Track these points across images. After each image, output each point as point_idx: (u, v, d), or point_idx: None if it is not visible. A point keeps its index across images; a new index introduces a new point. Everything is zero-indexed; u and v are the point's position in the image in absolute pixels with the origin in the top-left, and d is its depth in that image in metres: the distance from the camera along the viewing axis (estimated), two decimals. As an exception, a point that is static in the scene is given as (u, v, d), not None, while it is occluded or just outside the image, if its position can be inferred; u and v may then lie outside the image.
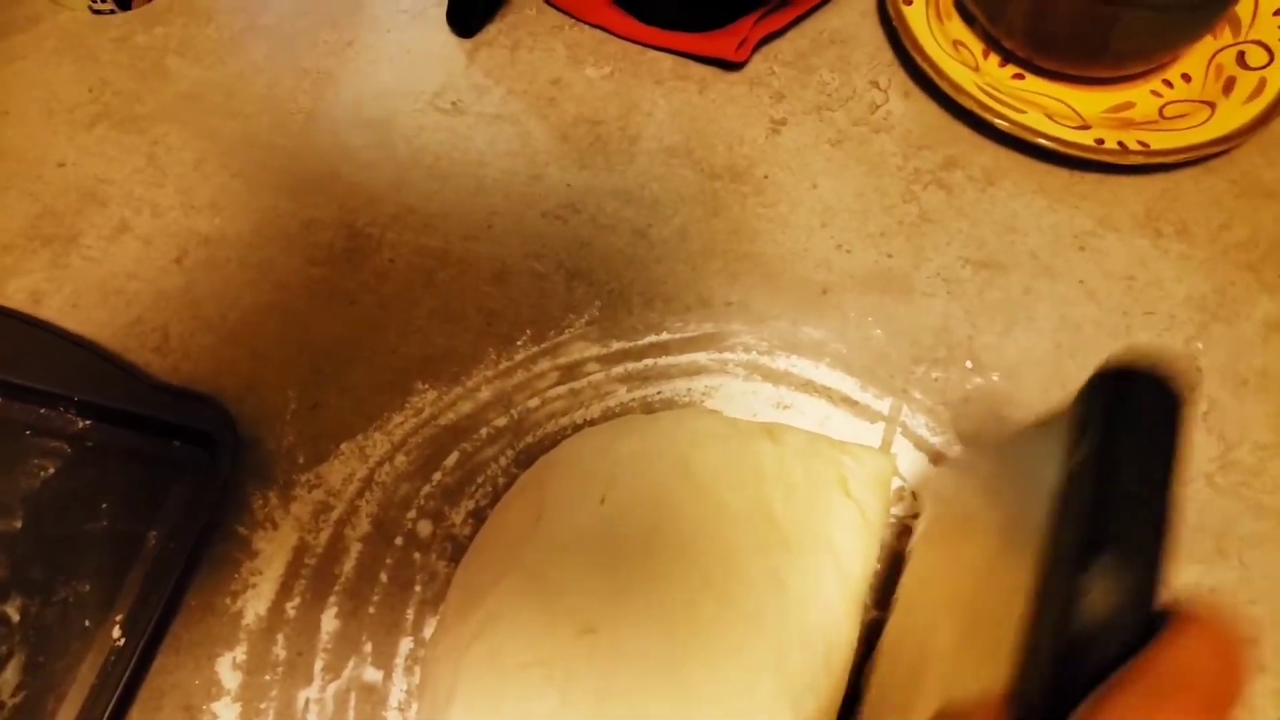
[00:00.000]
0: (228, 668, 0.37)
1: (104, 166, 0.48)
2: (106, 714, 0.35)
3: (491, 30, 0.53)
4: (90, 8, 0.53)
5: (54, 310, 0.44)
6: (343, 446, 0.41)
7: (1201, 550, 0.39)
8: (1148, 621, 0.20)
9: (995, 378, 0.43)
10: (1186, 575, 0.39)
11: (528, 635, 0.32)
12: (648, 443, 0.37)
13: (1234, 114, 0.48)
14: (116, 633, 0.37)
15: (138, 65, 0.51)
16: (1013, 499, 0.29)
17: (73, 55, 0.51)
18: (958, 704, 0.23)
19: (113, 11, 0.53)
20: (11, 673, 0.36)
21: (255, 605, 0.38)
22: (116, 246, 0.46)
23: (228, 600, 0.38)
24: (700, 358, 0.44)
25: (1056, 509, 0.23)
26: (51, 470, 0.40)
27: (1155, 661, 0.20)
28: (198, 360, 0.43)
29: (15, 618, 0.37)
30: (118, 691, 0.35)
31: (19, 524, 0.39)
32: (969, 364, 0.43)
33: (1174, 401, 0.23)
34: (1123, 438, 0.22)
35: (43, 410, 0.41)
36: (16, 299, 0.44)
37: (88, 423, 0.41)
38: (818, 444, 0.38)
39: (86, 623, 0.37)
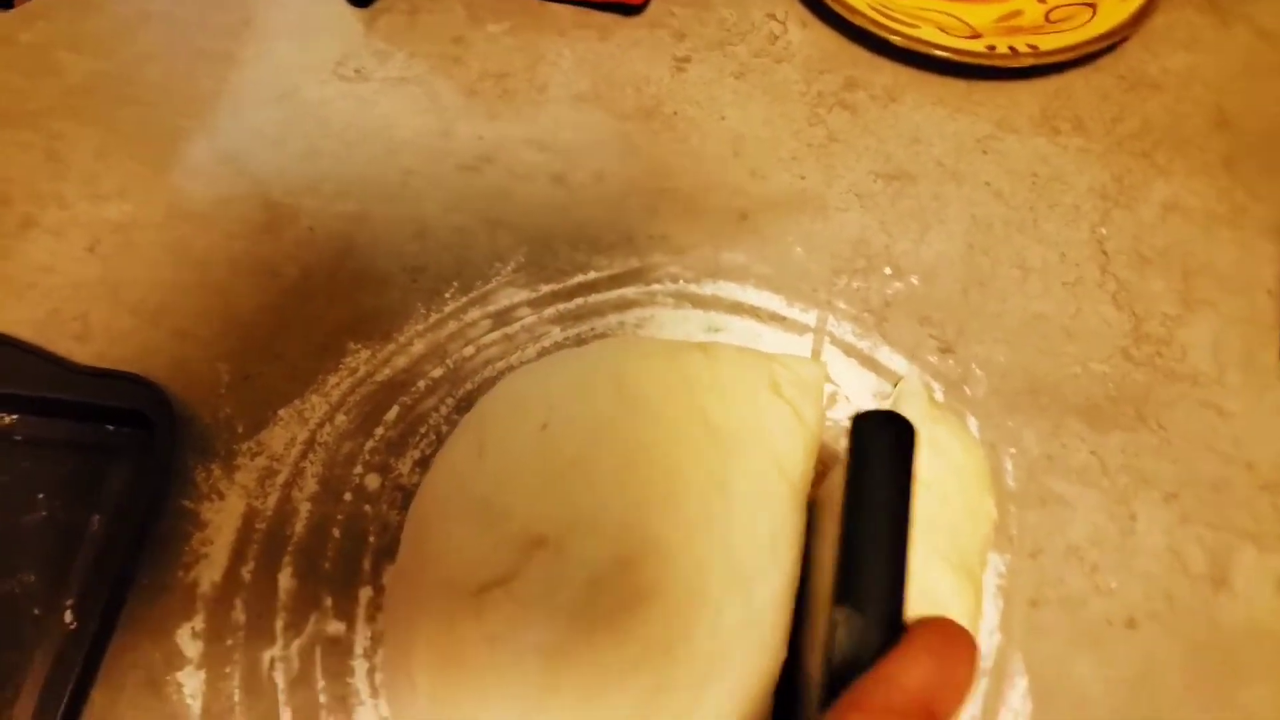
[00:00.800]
0: (187, 637, 0.36)
1: (2, 166, 0.47)
2: (66, 697, 0.34)
3: (388, -3, 0.53)
4: (-29, 10, 0.51)
5: (-34, 311, 0.43)
6: (281, 412, 0.41)
7: (1124, 418, 0.41)
8: (892, 643, 0.25)
9: (914, 280, 0.44)
10: (1112, 441, 0.41)
11: (480, 558, 0.33)
12: (584, 371, 0.38)
13: (1114, 11, 0.50)
14: (69, 618, 0.36)
15: (26, 62, 0.50)
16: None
17: (-41, 58, 0.50)
18: None
19: (-4, 11, 0.51)
20: (-38, 671, 0.36)
21: (209, 574, 0.38)
22: (24, 242, 0.45)
23: (180, 573, 0.38)
24: (629, 292, 0.44)
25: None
26: (-18, 467, 0.39)
27: (874, 673, 0.24)
28: (123, 345, 0.42)
29: (-40, 616, 0.37)
30: (75, 673, 0.35)
31: (-46, 524, 0.38)
32: (888, 270, 0.45)
33: (906, 440, 0.28)
34: (863, 482, 0.27)
35: (-35, 409, 0.40)
36: (-74, 303, 0.43)
37: (14, 417, 0.40)
38: (748, 355, 0.39)
39: (36, 611, 0.37)
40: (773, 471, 0.35)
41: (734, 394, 0.37)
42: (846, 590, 0.26)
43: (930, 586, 0.32)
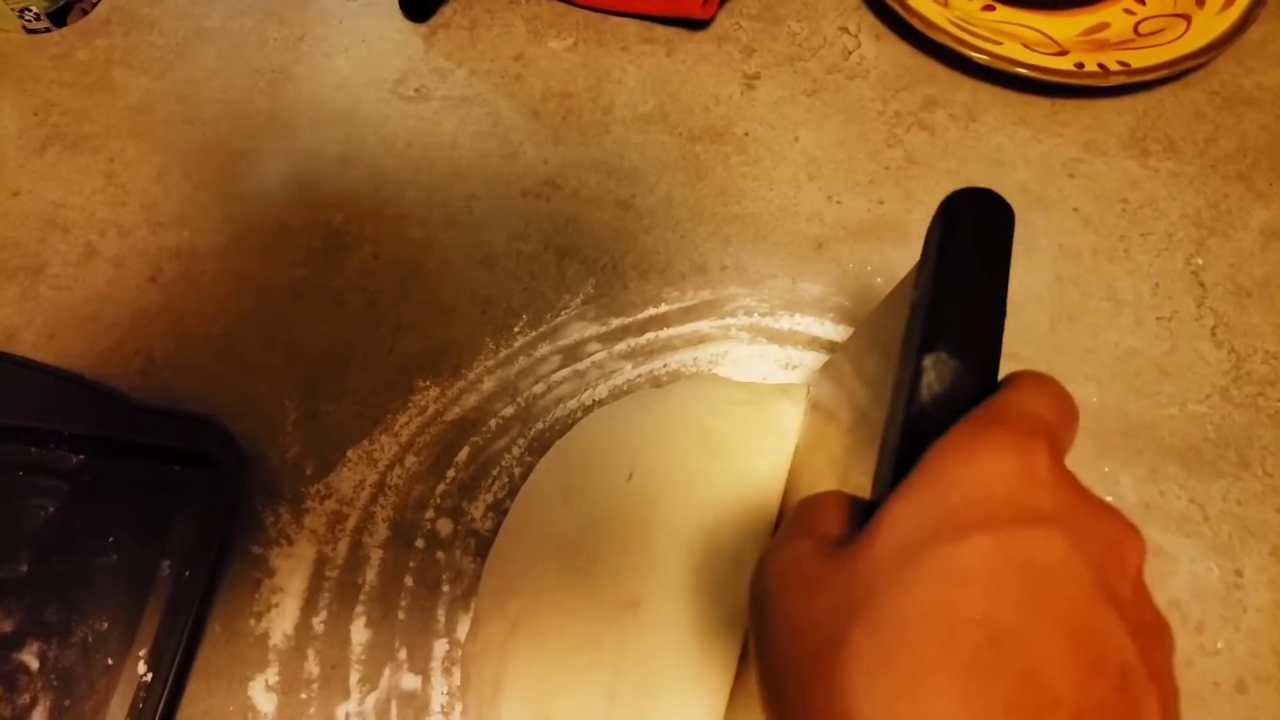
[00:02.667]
0: (261, 690, 0.36)
1: (61, 191, 0.46)
2: (143, 752, 0.34)
3: (447, 12, 0.51)
4: (24, 27, 0.50)
5: (29, 345, 0.42)
6: (349, 453, 0.40)
7: (1225, 464, 0.39)
8: (986, 394, 0.22)
9: (1000, 314, 0.42)
10: (1214, 489, 0.39)
11: (571, 616, 0.32)
12: (666, 416, 0.37)
13: (1210, 24, 0.48)
14: (142, 668, 0.36)
15: (82, 81, 0.49)
16: (874, 365, 0.28)
17: (12, 78, 0.49)
18: (800, 511, 0.24)
19: (48, 29, 0.50)
20: (38, 719, 0.35)
21: (281, 624, 0.37)
22: (86, 272, 0.44)
23: (252, 622, 0.37)
24: (702, 326, 0.43)
25: (905, 330, 0.25)
26: (51, 509, 0.39)
27: (990, 402, 0.21)
28: (187, 379, 0.42)
29: (34, 664, 0.36)
30: (151, 728, 0.34)
31: (25, 567, 0.38)
32: (973, 303, 0.43)
33: (1002, 214, 0.25)
34: (955, 248, 0.24)
35: (33, 449, 0.40)
36: (-11, 337, 0.42)
37: (82, 457, 0.40)
38: None
39: (109, 660, 0.36)
40: None
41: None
42: (938, 335, 0.23)
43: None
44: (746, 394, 0.37)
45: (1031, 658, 0.18)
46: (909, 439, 0.22)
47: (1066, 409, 0.22)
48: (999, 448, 0.20)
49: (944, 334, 0.23)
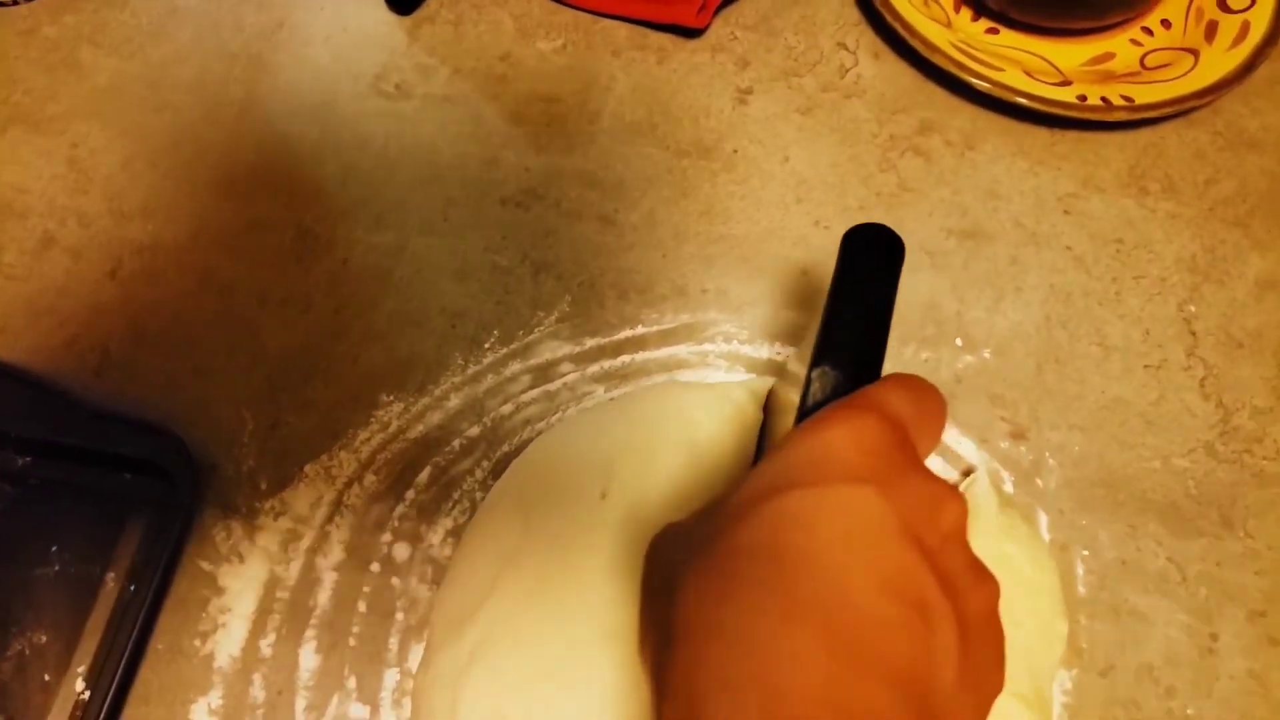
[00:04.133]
0: (203, 714, 0.35)
1: (20, 174, 0.44)
2: (75, 777, 0.33)
3: (432, 5, 0.49)
4: (-8, -4, 0.48)
5: (-21, 336, 0.41)
6: (307, 468, 0.38)
7: (1206, 523, 0.38)
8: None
9: (986, 354, 0.41)
10: (1193, 549, 0.38)
11: (533, 647, 0.30)
12: (637, 427, 0.35)
13: (1218, 62, 0.46)
14: (80, 685, 0.35)
15: (48, 59, 0.47)
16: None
17: (-23, 50, 0.47)
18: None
19: (15, 3, 0.48)
20: (-33, 736, 0.34)
21: (227, 645, 0.36)
22: (43, 262, 0.42)
23: (197, 642, 0.36)
24: (680, 351, 0.41)
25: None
26: (-7, 514, 0.37)
27: (849, 395, 0.26)
28: (143, 382, 0.40)
29: (-34, 678, 0.35)
30: (85, 752, 0.33)
31: (-38, 575, 0.36)
32: (959, 341, 0.42)
33: (892, 249, 0.30)
34: (846, 278, 0.29)
35: (-25, 449, 0.38)
36: (-64, 327, 0.40)
37: (28, 460, 0.38)
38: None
39: (46, 676, 0.35)
40: None
41: None
42: (823, 354, 0.27)
43: (1003, 724, 0.30)
44: (716, 398, 0.36)
45: (834, 580, 0.21)
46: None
47: (921, 399, 0.26)
48: (837, 422, 0.24)
49: (829, 351, 0.27)
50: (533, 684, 0.29)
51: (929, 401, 0.26)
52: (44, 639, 0.36)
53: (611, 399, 0.40)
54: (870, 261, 0.29)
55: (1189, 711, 0.35)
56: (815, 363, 0.27)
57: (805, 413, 0.26)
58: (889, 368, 0.40)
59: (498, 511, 0.36)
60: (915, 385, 0.26)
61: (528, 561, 0.32)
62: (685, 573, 0.23)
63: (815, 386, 0.26)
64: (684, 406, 0.36)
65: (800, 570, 0.21)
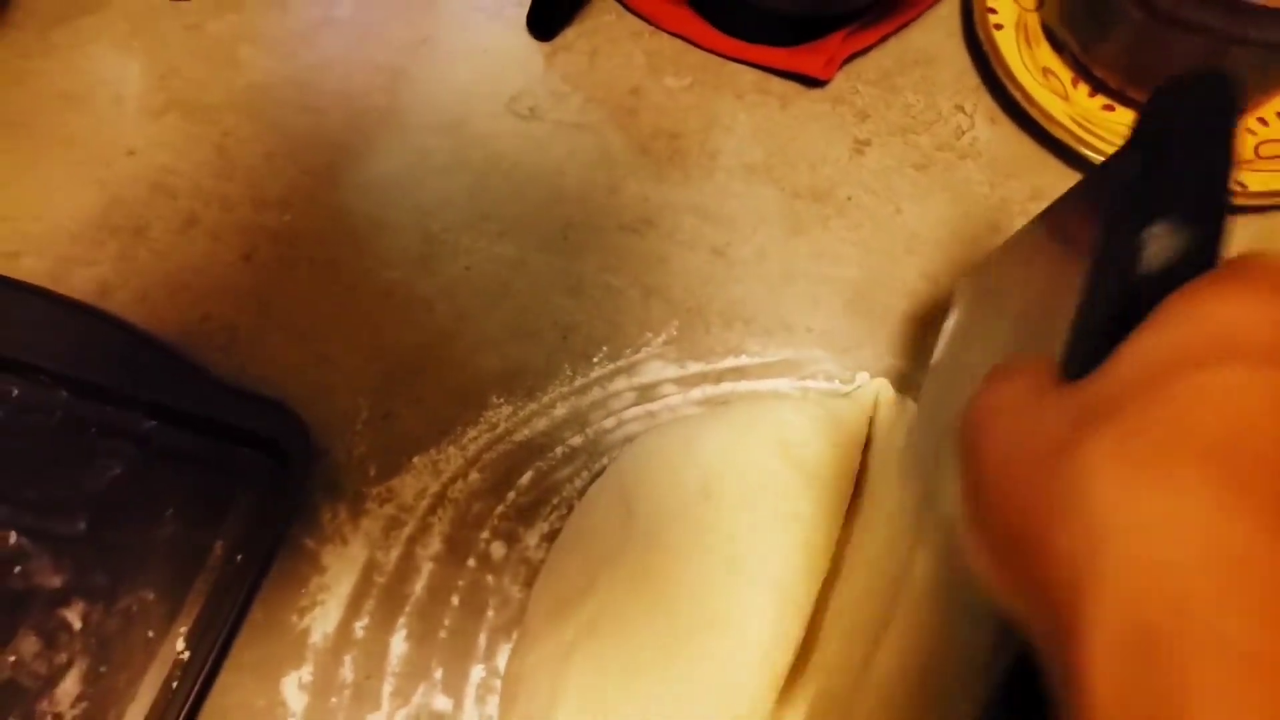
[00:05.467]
0: (294, 688, 0.36)
1: (172, 157, 0.47)
2: (171, 730, 0.34)
3: (570, 34, 0.52)
4: (160, -9, 0.51)
5: (121, 304, 0.43)
6: (415, 460, 0.40)
7: None
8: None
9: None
10: None
11: (638, 636, 0.31)
12: (737, 431, 0.36)
13: (1336, 156, 0.47)
14: (180, 645, 0.36)
15: (209, 53, 0.50)
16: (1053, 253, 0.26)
17: (143, 41, 0.50)
18: (1004, 363, 0.23)
19: (184, -3, 0.51)
20: (71, 682, 0.35)
21: (323, 623, 0.37)
22: (185, 240, 0.45)
23: (294, 617, 0.37)
24: (781, 384, 0.42)
25: (1106, 218, 0.23)
26: (117, 471, 0.39)
27: (1236, 260, 0.20)
28: (265, 362, 0.42)
29: (77, 624, 0.36)
30: (184, 710, 0.34)
31: (83, 526, 0.38)
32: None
33: (1228, 100, 0.23)
34: (1177, 130, 0.22)
35: (109, 408, 0.40)
36: (84, 290, 0.43)
37: (154, 424, 0.40)
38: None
39: (150, 634, 0.36)
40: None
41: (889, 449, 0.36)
42: (1157, 206, 0.20)
43: None
44: (816, 406, 0.37)
45: None
46: (1126, 308, 0.20)
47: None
48: (1258, 290, 0.19)
49: (1167, 200, 0.21)
50: (636, 673, 0.30)
51: None
52: (151, 597, 0.37)
53: (704, 412, 0.41)
54: (1204, 102, 0.22)
55: None
56: (1144, 219, 0.20)
57: (1142, 281, 0.20)
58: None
59: (598, 507, 0.37)
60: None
61: (630, 555, 0.33)
62: (1085, 446, 0.18)
63: (1159, 244, 0.20)
64: (779, 410, 0.37)
65: (1249, 465, 0.17)
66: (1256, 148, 0.49)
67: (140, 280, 0.43)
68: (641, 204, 0.47)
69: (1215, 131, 0.22)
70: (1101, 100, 0.51)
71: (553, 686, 0.31)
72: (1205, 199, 0.21)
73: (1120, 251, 0.21)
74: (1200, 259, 0.20)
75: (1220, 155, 0.21)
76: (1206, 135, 0.22)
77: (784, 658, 0.31)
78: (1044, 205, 0.47)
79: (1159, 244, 0.20)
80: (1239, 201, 0.45)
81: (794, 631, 0.31)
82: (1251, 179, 0.46)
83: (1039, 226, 0.31)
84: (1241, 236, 0.46)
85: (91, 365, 0.40)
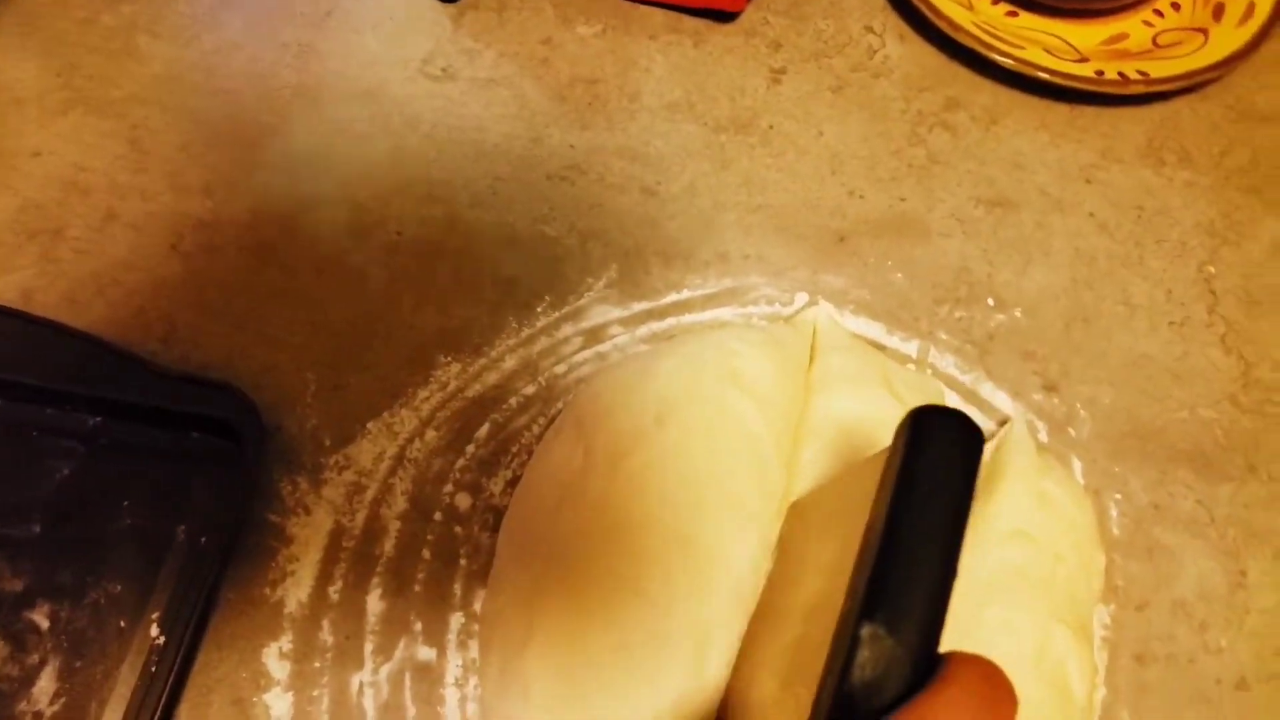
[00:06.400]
0: (274, 658, 0.36)
1: (83, 154, 0.46)
2: (153, 713, 0.34)
3: (476, -8, 0.51)
4: (49, -11, 0.50)
5: (49, 307, 0.42)
6: (369, 425, 0.40)
7: (1232, 468, 0.40)
8: (923, 675, 0.21)
9: (1018, 313, 0.43)
10: (1221, 492, 0.39)
11: (603, 562, 0.32)
12: (686, 360, 0.37)
13: (1227, 38, 0.49)
14: (154, 631, 0.36)
15: (108, 46, 0.49)
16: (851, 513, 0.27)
17: (37, 39, 0.49)
18: None
19: (74, -9, 0.50)
20: (47, 680, 0.35)
21: (296, 592, 0.37)
22: (106, 236, 0.44)
23: (266, 590, 0.37)
24: (724, 313, 0.43)
25: (866, 542, 0.24)
26: (66, 471, 0.39)
27: (909, 711, 0.21)
28: (208, 349, 0.41)
29: (45, 624, 0.36)
30: (162, 690, 0.34)
31: (37, 528, 0.37)
32: (991, 301, 0.43)
33: (971, 446, 0.24)
34: (919, 483, 0.23)
35: (50, 410, 0.39)
36: (7, 296, 0.42)
37: (99, 420, 0.39)
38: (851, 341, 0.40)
39: (122, 624, 0.36)
40: None
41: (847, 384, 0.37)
42: (878, 604, 0.22)
43: (1054, 653, 0.31)
44: (759, 333, 0.38)
45: None
46: (837, 714, 0.22)
47: (999, 705, 0.22)
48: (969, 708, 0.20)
49: (883, 603, 0.22)
50: (604, 600, 0.31)
51: (1004, 702, 0.22)
52: (118, 588, 0.37)
53: (652, 347, 0.42)
54: (947, 470, 0.23)
55: (1222, 643, 0.37)
56: (865, 610, 0.22)
57: (849, 696, 0.22)
58: (925, 326, 0.42)
59: (556, 447, 0.38)
60: (988, 701, 0.21)
61: (591, 488, 0.34)
62: None
63: (864, 655, 0.22)
64: (725, 339, 0.38)
65: None
66: (1154, 38, 0.51)
67: (65, 282, 0.43)
68: (567, 151, 0.47)
69: (947, 511, 0.23)
70: (1005, 7, 0.52)
71: (526, 623, 0.32)
72: (922, 603, 0.22)
73: (844, 639, 0.22)
74: (908, 665, 0.21)
75: (947, 544, 0.23)
76: (938, 514, 0.23)
77: (753, 575, 0.32)
78: (959, 115, 0.49)
79: (868, 652, 0.22)
80: (1143, 90, 0.47)
81: (758, 544, 0.32)
82: (1152, 67, 0.48)
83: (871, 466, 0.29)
84: (1147, 122, 0.47)
85: (22, 368, 0.39)
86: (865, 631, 0.22)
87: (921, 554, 0.22)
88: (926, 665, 0.21)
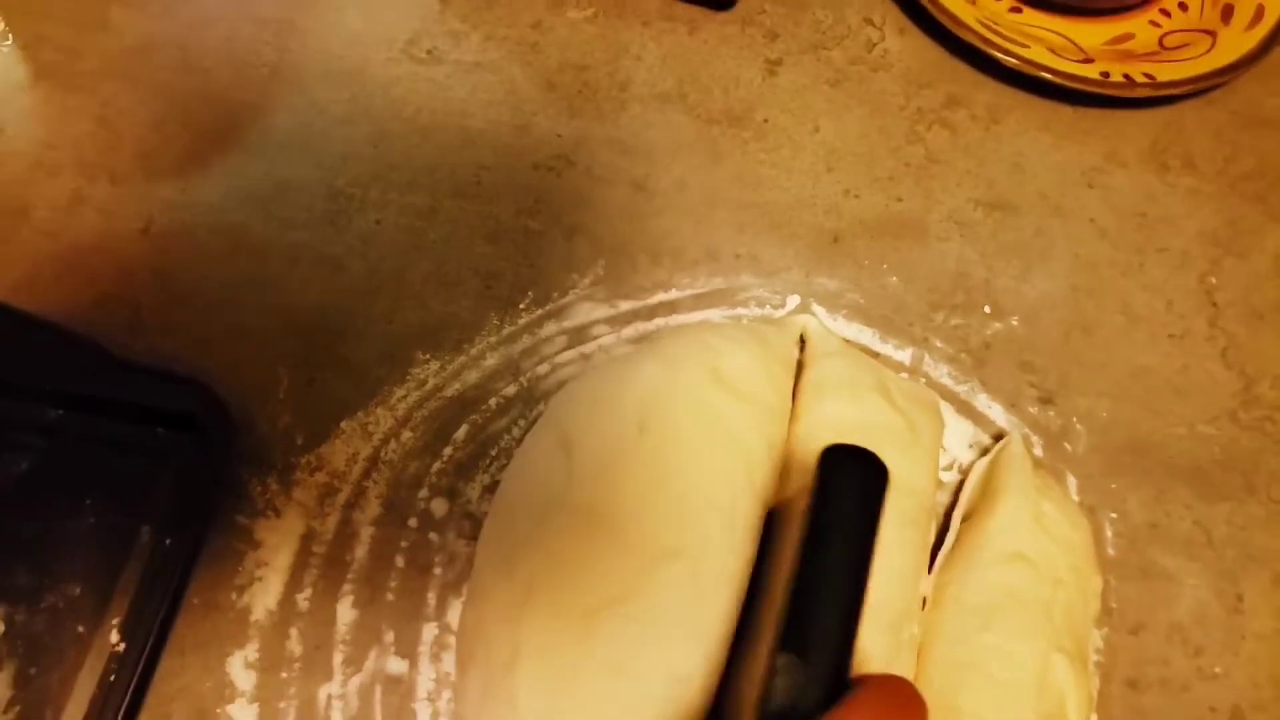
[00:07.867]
0: (240, 667, 0.34)
1: (49, 131, 0.44)
2: (112, 725, 0.32)
3: (464, -29, 0.49)
4: (16, -45, 0.48)
5: (7, 290, 0.40)
6: (343, 425, 0.38)
7: (1231, 487, 0.39)
8: (835, 698, 0.24)
9: (1015, 322, 0.42)
10: (1219, 512, 0.38)
11: (593, 575, 0.30)
12: (668, 363, 0.35)
13: (1236, 42, 0.47)
14: (115, 637, 0.34)
15: (78, 18, 0.47)
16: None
17: (2, 9, 0.47)
18: None
19: (43, -41, 0.48)
20: (1, 686, 0.34)
21: (264, 599, 0.35)
22: (73, 218, 0.42)
23: (233, 595, 0.35)
24: (713, 315, 0.42)
25: (787, 576, 0.26)
26: (24, 466, 0.37)
27: None
28: (176, 338, 0.40)
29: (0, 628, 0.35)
30: (124, 701, 0.33)
31: (-8, 526, 0.36)
32: (987, 309, 0.42)
33: (875, 488, 0.26)
34: (825, 522, 0.26)
35: (4, 401, 0.38)
36: (-35, 280, 0.40)
37: (60, 413, 0.38)
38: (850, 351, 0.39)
39: (80, 629, 0.35)
40: None
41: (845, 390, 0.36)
42: (792, 636, 0.25)
43: (1054, 684, 0.30)
44: (742, 330, 0.37)
45: None
46: None
47: (907, 713, 0.24)
48: None
49: (796, 636, 0.24)
50: (594, 613, 0.30)
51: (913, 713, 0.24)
52: (77, 591, 0.35)
53: (635, 349, 0.40)
54: (851, 508, 0.26)
55: (1217, 669, 0.36)
56: (781, 644, 0.24)
57: (766, 713, 0.24)
58: (920, 333, 0.41)
59: (536, 453, 0.36)
60: (896, 708, 0.24)
61: (575, 497, 0.32)
62: None
63: (779, 682, 0.24)
64: (706, 337, 0.37)
65: None
66: (1161, 39, 0.50)
67: (27, 264, 0.41)
68: (554, 141, 0.45)
69: (853, 548, 0.25)
70: (1008, 3, 0.51)
71: (511, 640, 0.30)
72: (830, 643, 0.24)
73: (767, 674, 0.24)
74: (819, 689, 0.24)
75: (852, 581, 0.25)
76: (845, 552, 0.25)
77: (743, 580, 0.31)
78: (959, 114, 0.47)
79: (782, 680, 0.24)
80: (1150, 94, 0.46)
81: (748, 548, 0.31)
82: (1158, 69, 0.46)
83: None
84: (1152, 126, 0.46)
85: (-17, 357, 0.38)
86: (781, 661, 0.24)
87: (828, 592, 0.25)
88: (838, 689, 0.24)
